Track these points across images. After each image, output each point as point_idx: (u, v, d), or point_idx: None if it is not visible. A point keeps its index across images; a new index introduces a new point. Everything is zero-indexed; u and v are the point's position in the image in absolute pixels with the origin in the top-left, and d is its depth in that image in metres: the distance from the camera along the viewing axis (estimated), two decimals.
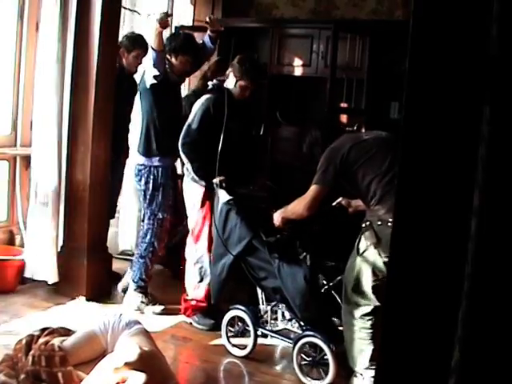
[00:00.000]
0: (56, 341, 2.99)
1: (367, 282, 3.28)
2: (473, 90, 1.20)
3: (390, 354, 1.24)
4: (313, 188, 3.44)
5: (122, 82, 4.67)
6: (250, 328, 3.75)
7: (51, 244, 4.53)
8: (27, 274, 4.54)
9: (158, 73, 4.27)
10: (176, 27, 5.78)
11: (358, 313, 3.33)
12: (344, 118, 5.79)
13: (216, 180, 3.93)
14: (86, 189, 4.52)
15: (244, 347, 3.80)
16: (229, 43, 5.73)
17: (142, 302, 4.46)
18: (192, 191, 4.25)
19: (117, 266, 5.01)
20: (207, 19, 4.58)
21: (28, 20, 4.52)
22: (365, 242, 3.29)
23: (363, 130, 3.50)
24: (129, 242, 5.62)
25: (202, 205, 4.19)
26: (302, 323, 3.60)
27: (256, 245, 3.65)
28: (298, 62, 5.76)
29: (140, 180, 4.47)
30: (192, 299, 4.26)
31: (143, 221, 4.56)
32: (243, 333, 3.82)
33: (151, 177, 4.43)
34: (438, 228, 1.18)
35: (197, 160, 4.14)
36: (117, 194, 5.14)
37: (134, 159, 4.62)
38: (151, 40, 4.27)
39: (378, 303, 3.25)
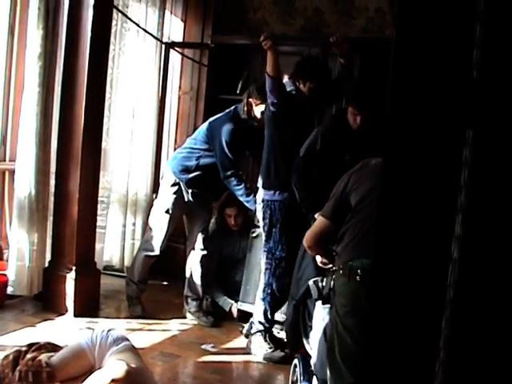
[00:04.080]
0: (43, 356, 2.98)
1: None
2: (456, 114, 1.22)
3: (373, 375, 1.25)
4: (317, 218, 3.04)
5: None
6: (299, 379, 3.32)
7: (33, 258, 4.48)
8: (8, 290, 4.44)
9: (275, 100, 3.98)
10: (166, 43, 5.81)
11: None
12: None
13: (317, 214, 3.54)
14: (75, 203, 4.51)
15: None
16: (219, 61, 5.79)
17: (261, 346, 4.18)
18: None
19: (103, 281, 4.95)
20: (331, 40, 4.02)
21: (18, 36, 4.52)
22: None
23: None
24: (112, 256, 5.64)
25: None
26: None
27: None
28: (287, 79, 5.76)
29: (260, 216, 4.22)
30: None
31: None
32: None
33: (268, 212, 4.13)
34: (419, 252, 1.19)
35: (302, 190, 3.86)
36: None
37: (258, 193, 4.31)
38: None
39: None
